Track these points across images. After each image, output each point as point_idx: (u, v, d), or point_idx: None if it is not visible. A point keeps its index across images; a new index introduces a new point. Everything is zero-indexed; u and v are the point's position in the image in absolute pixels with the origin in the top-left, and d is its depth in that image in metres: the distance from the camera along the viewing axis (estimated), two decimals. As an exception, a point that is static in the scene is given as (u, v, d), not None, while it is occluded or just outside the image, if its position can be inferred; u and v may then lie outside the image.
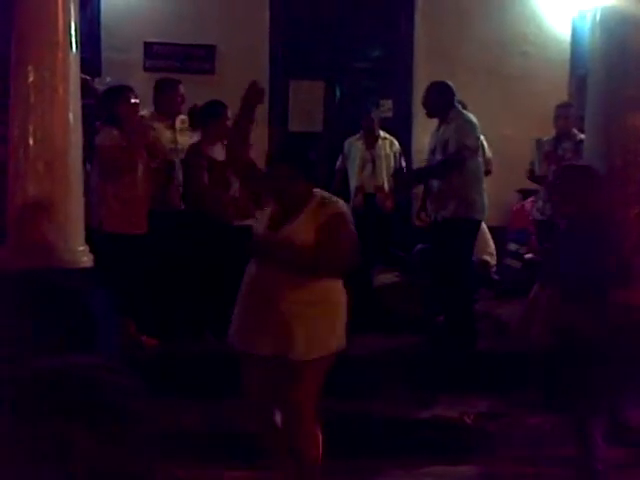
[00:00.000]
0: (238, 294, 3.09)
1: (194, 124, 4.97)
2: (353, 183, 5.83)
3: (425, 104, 4.83)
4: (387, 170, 5.83)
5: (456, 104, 4.74)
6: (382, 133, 5.93)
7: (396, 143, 5.98)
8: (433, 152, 4.77)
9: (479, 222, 4.82)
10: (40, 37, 3.94)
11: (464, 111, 4.78)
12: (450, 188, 4.57)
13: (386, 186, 5.79)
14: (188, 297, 4.66)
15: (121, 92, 4.49)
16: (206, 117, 4.78)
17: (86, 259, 4.02)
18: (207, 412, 3.94)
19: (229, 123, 4.72)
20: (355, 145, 5.89)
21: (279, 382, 3.00)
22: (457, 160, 4.57)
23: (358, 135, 5.93)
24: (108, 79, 5.60)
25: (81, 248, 4.04)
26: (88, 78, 5.01)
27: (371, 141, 5.86)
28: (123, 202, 4.39)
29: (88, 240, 4.11)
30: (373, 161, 5.83)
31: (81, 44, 4.13)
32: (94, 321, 3.54)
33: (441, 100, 4.71)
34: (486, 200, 4.73)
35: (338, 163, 5.97)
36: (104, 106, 4.58)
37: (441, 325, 4.87)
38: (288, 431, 3.03)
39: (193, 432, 3.75)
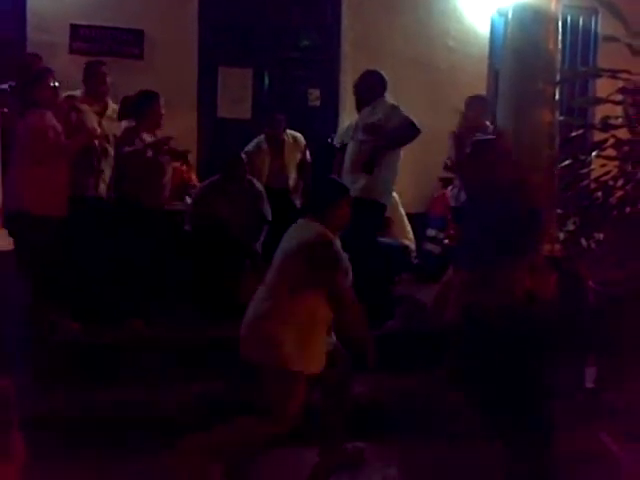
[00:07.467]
0: None
1: (126, 113, 4.93)
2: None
3: (357, 91, 4.96)
4: (294, 168, 5.81)
5: (385, 95, 4.89)
6: (287, 133, 5.81)
7: (299, 137, 5.88)
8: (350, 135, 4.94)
9: (384, 206, 4.95)
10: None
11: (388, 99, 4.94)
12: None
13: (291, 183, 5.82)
14: (113, 282, 4.65)
15: (42, 76, 4.44)
16: (140, 106, 4.75)
17: (4, 243, 3.98)
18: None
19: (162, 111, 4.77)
20: (262, 149, 5.73)
21: None
22: (408, 136, 4.79)
23: (262, 137, 5.77)
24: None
25: (-1, 231, 3.99)
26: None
27: (277, 146, 5.73)
28: (47, 184, 4.32)
29: (8, 223, 4.06)
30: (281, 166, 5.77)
31: (4, 24, 4.06)
32: (6, 305, 3.54)
33: (376, 90, 4.90)
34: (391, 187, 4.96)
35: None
36: (24, 90, 4.49)
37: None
38: None
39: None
